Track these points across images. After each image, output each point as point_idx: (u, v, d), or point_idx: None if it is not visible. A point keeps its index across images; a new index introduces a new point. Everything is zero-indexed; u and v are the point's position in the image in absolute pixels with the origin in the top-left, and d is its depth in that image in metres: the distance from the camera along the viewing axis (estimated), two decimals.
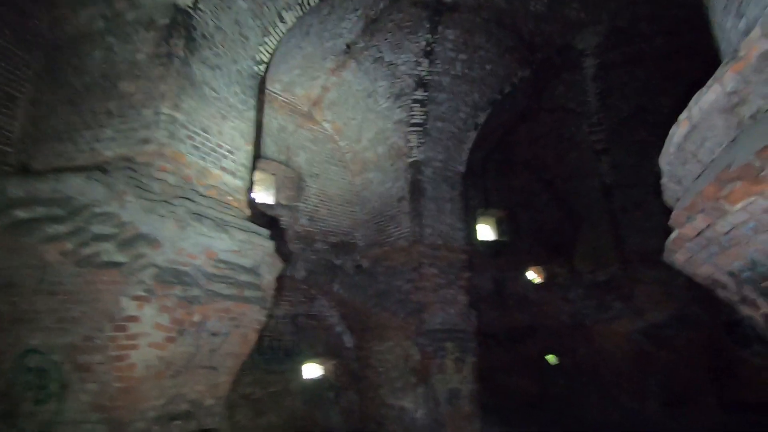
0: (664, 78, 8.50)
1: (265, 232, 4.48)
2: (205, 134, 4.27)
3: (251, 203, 6.62)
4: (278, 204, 7.91)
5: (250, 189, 5.00)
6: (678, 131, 3.04)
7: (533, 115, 9.73)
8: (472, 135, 8.55)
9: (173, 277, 3.41)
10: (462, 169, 8.60)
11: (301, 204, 8.11)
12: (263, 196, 8.22)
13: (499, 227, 11.15)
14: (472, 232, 10.19)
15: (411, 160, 7.91)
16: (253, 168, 7.54)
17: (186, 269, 3.54)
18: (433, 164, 8.03)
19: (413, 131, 7.86)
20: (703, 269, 3.28)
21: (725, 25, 3.27)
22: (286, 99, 8.29)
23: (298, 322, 7.49)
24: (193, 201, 3.79)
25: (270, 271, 4.42)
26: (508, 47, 7.52)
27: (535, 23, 7.18)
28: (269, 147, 7.97)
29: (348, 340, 8.13)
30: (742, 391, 8.70)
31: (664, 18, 7.09)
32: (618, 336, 8.72)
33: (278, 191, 8.25)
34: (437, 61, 7.36)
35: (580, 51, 7.84)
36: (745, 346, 9.43)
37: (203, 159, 4.17)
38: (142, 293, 3.25)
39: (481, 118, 8.43)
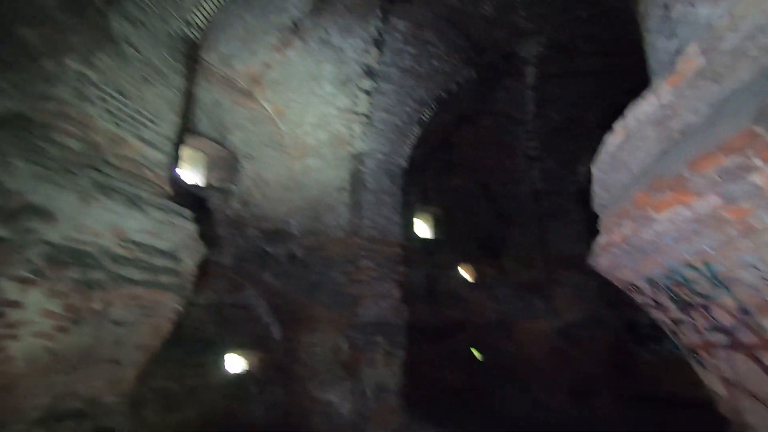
0: (593, 94, 9.08)
1: (189, 213, 4.07)
2: (122, 98, 3.76)
3: (176, 181, 6.08)
4: (209, 185, 7.35)
5: (174, 165, 4.54)
6: (612, 139, 3.16)
7: (475, 118, 9.95)
8: (416, 130, 8.55)
9: (70, 256, 2.95)
10: (404, 163, 8.58)
11: (234, 187, 7.61)
12: (192, 175, 7.61)
13: (436, 225, 11.34)
14: (410, 227, 10.25)
15: (353, 150, 7.73)
16: (181, 143, 6.93)
17: (87, 249, 3.08)
18: (375, 156, 7.91)
19: (357, 120, 7.68)
20: (624, 273, 3.46)
21: (657, 45, 3.45)
22: (224, 73, 7.70)
23: (223, 312, 7.04)
24: (101, 172, 3.31)
25: (191, 256, 4.03)
26: (457, 46, 7.57)
27: (485, 26, 7.29)
28: (202, 122, 7.36)
29: (276, 332, 7.80)
30: (639, 385, 9.64)
31: (600, 39, 7.53)
32: (538, 334, 9.25)
33: (209, 171, 7.68)
34: (386, 52, 7.22)
35: (523, 59, 8.12)
36: (642, 344, 10.46)
37: (118, 125, 3.66)
38: (28, 274, 2.77)
39: (426, 115, 8.45)
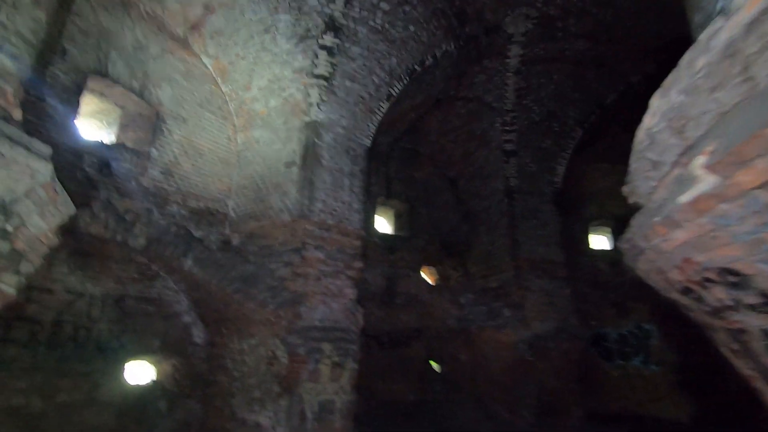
0: (575, 87, 8.41)
1: (45, 150, 2.68)
2: None
3: (68, 132, 4.58)
4: (121, 145, 5.83)
5: (36, 80, 3.11)
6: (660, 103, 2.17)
7: (448, 105, 9.01)
8: (384, 106, 7.44)
9: None
10: (368, 143, 7.43)
11: (155, 151, 6.12)
12: (100, 132, 6.05)
13: (398, 221, 10.26)
14: (370, 220, 9.09)
15: (309, 119, 6.48)
16: (84, 87, 5.40)
17: None
18: (334, 129, 6.70)
19: (316, 85, 6.44)
20: (674, 274, 2.52)
21: None
22: (152, 10, 6.22)
23: (124, 306, 5.51)
24: None
25: (43, 215, 2.64)
26: (437, 10, 6.56)
27: None
28: (116, 66, 5.84)
29: (198, 334, 6.33)
30: (605, 402, 8.99)
31: (590, 16, 6.80)
32: (502, 345, 8.35)
33: (123, 129, 6.15)
34: (355, 4, 6.07)
35: (509, 36, 7.25)
36: (608, 359, 9.89)
37: None
38: None
39: (396, 89, 7.37)
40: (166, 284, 6.04)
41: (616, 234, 11.19)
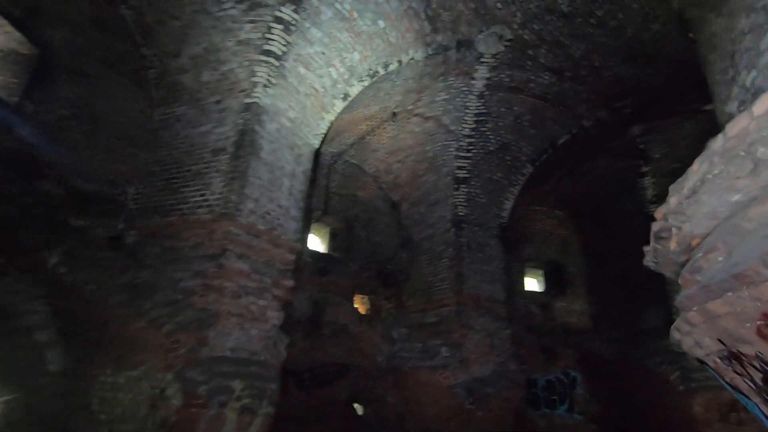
0: (531, 123, 8.28)
1: None
2: None
3: None
4: None
5: None
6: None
7: (403, 120, 8.39)
8: (339, 106, 6.58)
9: None
10: (316, 143, 6.47)
11: (32, 105, 4.57)
12: None
13: (333, 240, 9.20)
14: (304, 235, 7.94)
15: (250, 101, 5.37)
16: None
17: None
18: (279, 119, 5.65)
19: (265, 63, 5.40)
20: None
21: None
22: None
23: None
24: None
25: None
26: (411, 9, 5.96)
27: None
28: None
29: (55, 360, 4.63)
30: None
31: (561, 50, 6.67)
32: (438, 388, 7.51)
33: None
34: None
35: (479, 55, 6.86)
36: (536, 407, 9.49)
37: None
38: None
39: (355, 89, 6.57)
40: (17, 286, 4.35)
41: (548, 278, 11.20)
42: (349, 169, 9.49)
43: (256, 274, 4.92)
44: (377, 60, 6.44)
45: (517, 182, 8.95)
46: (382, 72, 6.64)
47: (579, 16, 5.79)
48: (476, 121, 8.04)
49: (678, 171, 7.15)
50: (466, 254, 8.20)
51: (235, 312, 4.63)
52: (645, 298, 9.12)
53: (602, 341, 9.77)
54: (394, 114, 8.20)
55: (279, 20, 5.29)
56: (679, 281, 2.18)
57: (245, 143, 5.15)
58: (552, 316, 10.36)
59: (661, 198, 8.40)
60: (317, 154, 7.16)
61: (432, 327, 8.16)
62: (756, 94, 2.69)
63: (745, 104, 2.83)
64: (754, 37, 2.67)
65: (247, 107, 5.33)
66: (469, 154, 8.38)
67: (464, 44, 6.67)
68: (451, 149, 8.48)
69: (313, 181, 7.51)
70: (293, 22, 5.35)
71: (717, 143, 2.09)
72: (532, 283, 11.19)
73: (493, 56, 6.88)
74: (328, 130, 6.93)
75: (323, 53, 5.85)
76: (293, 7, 5.25)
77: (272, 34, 5.34)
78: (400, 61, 6.63)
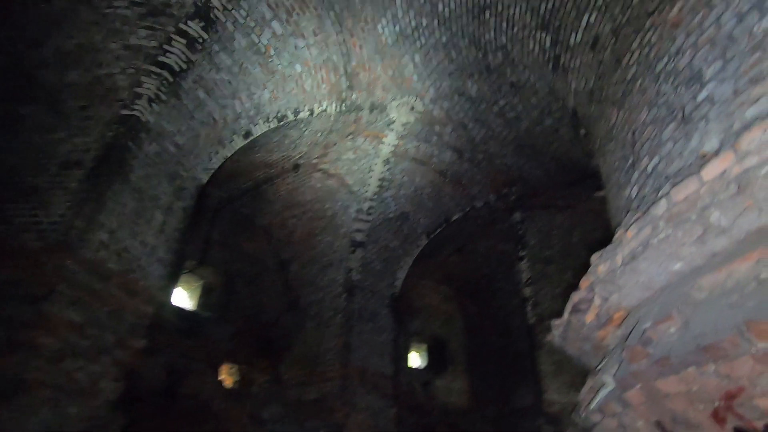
0: (429, 195, 8.53)
1: None
2: None
3: None
4: None
5: None
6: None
7: (305, 174, 7.99)
8: (237, 143, 5.93)
9: None
10: (204, 179, 5.61)
11: None
12: None
13: (206, 296, 7.88)
14: (170, 286, 6.60)
15: (128, 113, 4.46)
16: None
17: None
18: (164, 142, 4.79)
19: (157, 75, 4.62)
20: None
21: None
22: None
23: None
24: None
25: None
26: (330, 61, 5.86)
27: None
28: None
29: None
30: None
31: (464, 132, 7.12)
32: None
33: None
34: (244, 5, 4.85)
35: (390, 121, 6.96)
36: None
37: None
38: None
39: (259, 129, 6.03)
40: None
41: (431, 353, 11.06)
42: (238, 217, 8.54)
43: (93, 328, 3.69)
44: (288, 104, 6.08)
45: (412, 253, 8.94)
46: (291, 117, 6.26)
47: (484, 102, 6.30)
48: (379, 186, 7.99)
49: (549, 258, 7.73)
50: (356, 323, 7.63)
51: (50, 381, 3.31)
52: (519, 378, 9.42)
53: (480, 421, 9.67)
54: (297, 166, 7.76)
55: (183, 34, 4.66)
56: (623, 355, 1.99)
57: (111, 160, 4.15)
58: (433, 395, 10.04)
59: (535, 281, 9.00)
60: (203, 193, 6.25)
61: (312, 405, 7.14)
62: (657, 178, 2.90)
63: (645, 188, 3.05)
64: (656, 128, 2.92)
65: (123, 120, 4.40)
66: (369, 218, 8.19)
67: (377, 107, 6.74)
68: (351, 210, 8.21)
69: (192, 224, 6.44)
70: (200, 41, 4.77)
71: (660, 208, 2.06)
72: (416, 359, 10.90)
73: (403, 125, 7.06)
74: (220, 168, 6.14)
75: (230, 82, 5.30)
76: (202, 24, 4.71)
77: (172, 46, 4.66)
78: (311, 111, 6.36)
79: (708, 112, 2.48)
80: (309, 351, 7.74)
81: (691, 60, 2.65)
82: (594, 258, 2.72)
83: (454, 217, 8.88)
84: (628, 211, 3.49)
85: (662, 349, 1.78)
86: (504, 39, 4.97)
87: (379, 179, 7.89)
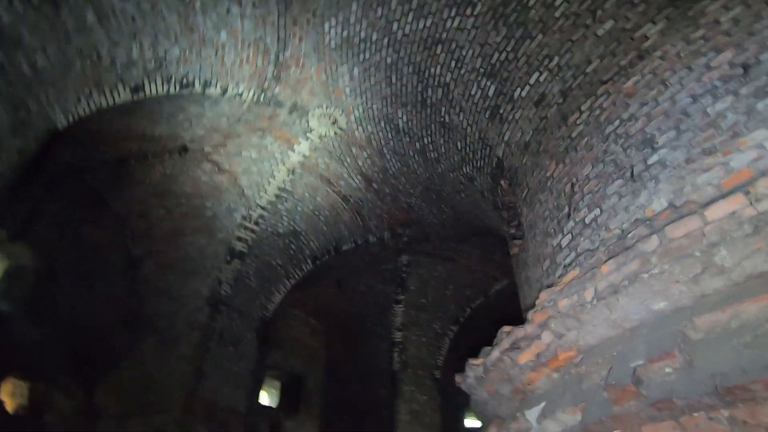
0: (325, 219, 8.07)
1: None
2: None
3: None
4: None
5: None
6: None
7: (193, 159, 6.84)
8: (122, 95, 4.75)
9: None
10: (60, 123, 4.28)
11: None
12: None
13: (9, 281, 5.85)
14: None
15: None
16: None
17: None
18: (14, 53, 3.51)
19: None
20: None
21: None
22: None
23: None
24: None
25: None
26: (262, 40, 5.24)
27: None
28: None
29: None
30: None
31: (381, 160, 6.99)
32: None
33: None
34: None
35: (309, 128, 6.45)
36: None
37: None
38: None
39: (150, 89, 4.95)
40: None
41: (285, 391, 9.99)
42: (86, 194, 6.78)
43: None
44: (199, 72, 5.18)
45: (293, 276, 8.19)
46: (197, 89, 5.33)
47: (409, 136, 6.27)
48: (277, 196, 7.26)
49: (423, 306, 7.78)
50: (215, 345, 6.45)
51: None
52: (374, 426, 9.02)
53: None
54: (185, 149, 6.61)
55: None
56: (605, 394, 1.79)
57: None
58: None
59: (407, 327, 8.97)
60: (48, 149, 4.79)
61: None
62: (596, 228, 3.00)
63: (579, 237, 3.14)
64: (600, 183, 3.06)
65: None
66: (256, 228, 7.31)
67: (299, 110, 6.21)
68: (236, 215, 7.23)
69: (22, 181, 4.80)
70: None
71: (651, 244, 2.01)
72: (267, 396, 9.71)
73: (320, 137, 6.62)
74: (81, 124, 4.80)
75: (134, 18, 4.26)
76: None
77: None
78: (224, 90, 5.53)
79: (659, 174, 2.66)
80: (143, 374, 6.20)
81: (644, 127, 2.87)
82: (544, 295, 2.60)
83: (345, 247, 8.49)
84: (552, 258, 3.60)
85: (659, 390, 1.62)
86: (449, 77, 5.05)
87: (279, 188, 7.16)
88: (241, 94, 5.73)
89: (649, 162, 2.73)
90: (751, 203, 1.65)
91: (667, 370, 1.64)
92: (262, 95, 5.87)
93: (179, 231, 7.31)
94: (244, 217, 7.24)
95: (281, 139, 6.68)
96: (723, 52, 2.63)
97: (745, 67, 2.44)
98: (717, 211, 1.75)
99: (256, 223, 7.33)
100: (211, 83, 5.41)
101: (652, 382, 1.66)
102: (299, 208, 7.64)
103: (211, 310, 6.67)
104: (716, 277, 1.71)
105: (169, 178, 6.97)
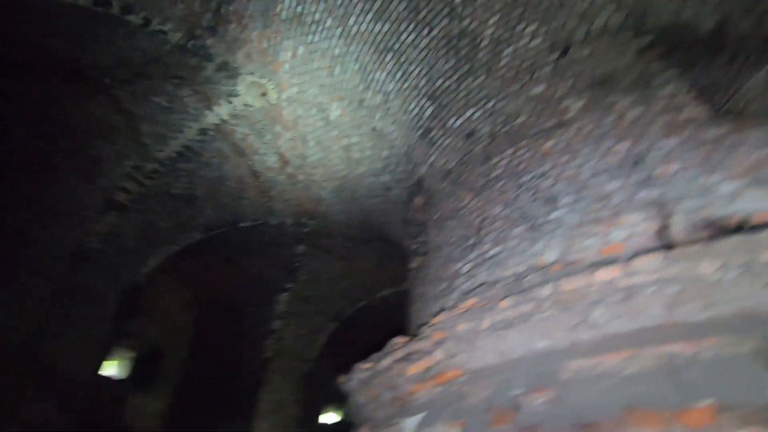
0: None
1: None
2: None
3: None
4: None
5: None
6: None
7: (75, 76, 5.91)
8: None
9: None
10: None
11: None
12: None
13: None
14: None
15: None
16: None
17: None
18: None
19: None
20: None
21: None
22: None
23: None
24: None
25: None
26: None
27: None
28: None
29: None
30: None
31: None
32: None
33: None
34: None
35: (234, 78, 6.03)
36: None
37: None
38: None
39: None
40: None
41: (138, 366, 9.06)
42: None
43: None
44: None
45: (179, 242, 7.58)
46: (114, 8, 4.67)
47: (337, 131, 6.22)
48: (179, 153, 6.61)
49: (310, 298, 7.94)
50: (68, 302, 5.61)
51: None
52: (231, 414, 8.68)
53: None
54: (81, 76, 5.67)
55: None
56: (487, 414, 2.01)
57: None
58: (118, 415, 8.05)
59: (288, 316, 8.87)
60: None
61: None
62: (495, 264, 3.34)
63: (479, 269, 3.46)
64: (506, 224, 3.42)
65: None
66: (147, 182, 6.57)
67: (229, 71, 5.76)
68: (127, 163, 6.42)
69: None
70: None
71: (545, 291, 2.31)
72: (116, 367, 8.70)
73: (246, 105, 6.21)
74: None
75: None
76: None
77: None
78: (147, 19, 4.90)
79: (555, 229, 3.07)
80: None
81: (551, 186, 3.29)
82: (443, 316, 2.82)
83: (243, 224, 8.09)
84: (450, 282, 3.90)
85: (531, 417, 1.89)
86: (391, 87, 5.16)
87: (184, 146, 6.54)
88: (166, 33, 5.13)
89: (549, 218, 3.14)
90: (626, 275, 2.02)
91: (541, 401, 1.92)
92: (191, 42, 5.33)
93: (52, 167, 6.23)
94: (134, 168, 6.45)
95: (200, 94, 6.12)
96: (622, 141, 3.15)
97: (637, 160, 2.96)
98: (601, 275, 2.10)
99: (148, 177, 6.59)
100: (133, 9, 4.76)
101: (527, 409, 1.92)
102: (202, 173, 7.06)
103: (73, 262, 5.80)
104: (589, 330, 2.05)
105: (54, 108, 5.91)
